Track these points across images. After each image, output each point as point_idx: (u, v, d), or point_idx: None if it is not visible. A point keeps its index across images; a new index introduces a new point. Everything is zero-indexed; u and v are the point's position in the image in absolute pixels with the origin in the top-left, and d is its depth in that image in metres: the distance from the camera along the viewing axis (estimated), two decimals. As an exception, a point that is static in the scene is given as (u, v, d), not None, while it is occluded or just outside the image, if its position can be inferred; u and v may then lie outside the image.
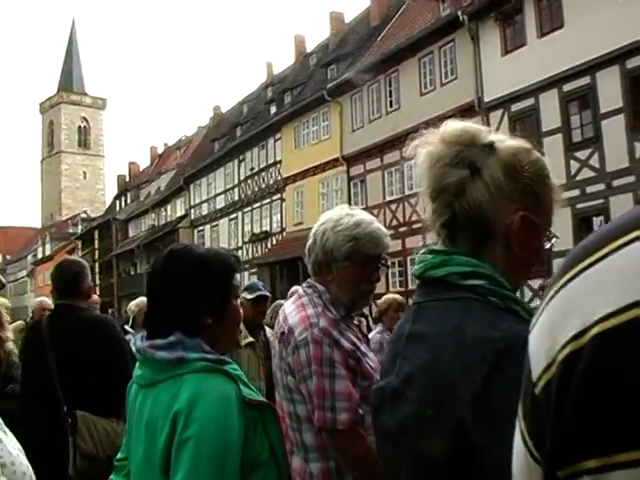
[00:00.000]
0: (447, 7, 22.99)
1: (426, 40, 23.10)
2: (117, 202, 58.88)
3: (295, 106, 31.23)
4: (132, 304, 7.50)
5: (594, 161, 17.37)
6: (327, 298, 2.36)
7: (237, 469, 1.68)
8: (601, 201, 16.99)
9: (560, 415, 0.55)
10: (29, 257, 76.80)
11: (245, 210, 36.36)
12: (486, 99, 20.58)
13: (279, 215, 33.08)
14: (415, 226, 21.16)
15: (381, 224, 2.49)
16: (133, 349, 2.26)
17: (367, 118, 26.50)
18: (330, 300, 2.36)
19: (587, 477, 0.53)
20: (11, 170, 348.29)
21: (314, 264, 2.43)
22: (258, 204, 34.99)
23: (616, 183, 16.35)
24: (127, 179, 62.49)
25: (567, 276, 0.58)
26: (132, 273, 48.10)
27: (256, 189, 35.18)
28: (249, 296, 4.95)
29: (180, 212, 44.09)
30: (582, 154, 17.67)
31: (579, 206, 16.86)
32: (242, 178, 36.53)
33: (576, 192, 17.22)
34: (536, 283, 14.50)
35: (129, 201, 56.12)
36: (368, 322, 6.91)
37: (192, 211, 42.64)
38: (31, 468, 1.65)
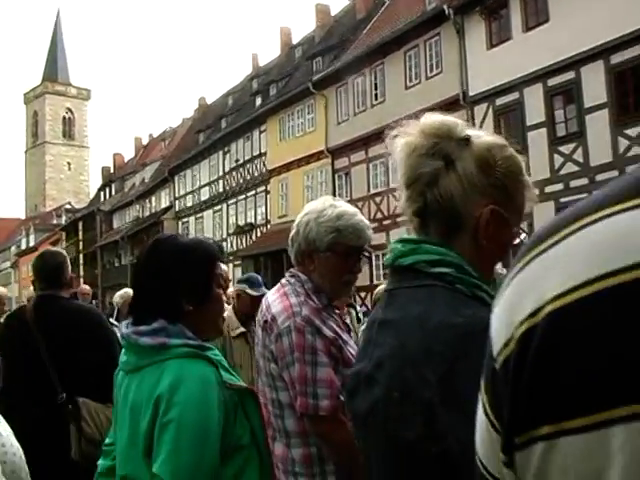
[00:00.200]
0: (433, 1, 22.98)
1: (412, 33, 23.10)
2: (101, 193, 58.55)
3: (280, 98, 31.17)
4: (117, 295, 7.51)
5: (578, 155, 17.47)
6: (309, 287, 2.40)
7: (217, 451, 1.72)
8: (584, 195, 16.33)
9: (517, 387, 0.59)
10: (13, 248, 76.08)
11: (230, 202, 36.30)
12: (471, 93, 20.62)
13: (264, 207, 33.04)
14: (399, 219, 21.14)
15: (365, 217, 2.52)
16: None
17: (352, 111, 26.48)
18: (312, 289, 2.39)
19: (541, 443, 0.57)
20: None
21: (297, 254, 2.47)
22: (243, 196, 34.93)
23: (599, 177, 16.42)
24: (112, 170, 62.08)
25: (527, 257, 0.62)
26: (116, 264, 47.86)
27: (241, 181, 35.11)
28: (253, 293, 4.85)
29: (165, 204, 43.92)
30: (566, 148, 17.77)
31: (563, 200, 16.93)
32: (227, 170, 36.43)
33: (560, 186, 17.36)
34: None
35: (113, 192, 55.81)
36: (357, 313, 6.95)
37: (177, 203, 42.50)
38: (21, 449, 1.67)
